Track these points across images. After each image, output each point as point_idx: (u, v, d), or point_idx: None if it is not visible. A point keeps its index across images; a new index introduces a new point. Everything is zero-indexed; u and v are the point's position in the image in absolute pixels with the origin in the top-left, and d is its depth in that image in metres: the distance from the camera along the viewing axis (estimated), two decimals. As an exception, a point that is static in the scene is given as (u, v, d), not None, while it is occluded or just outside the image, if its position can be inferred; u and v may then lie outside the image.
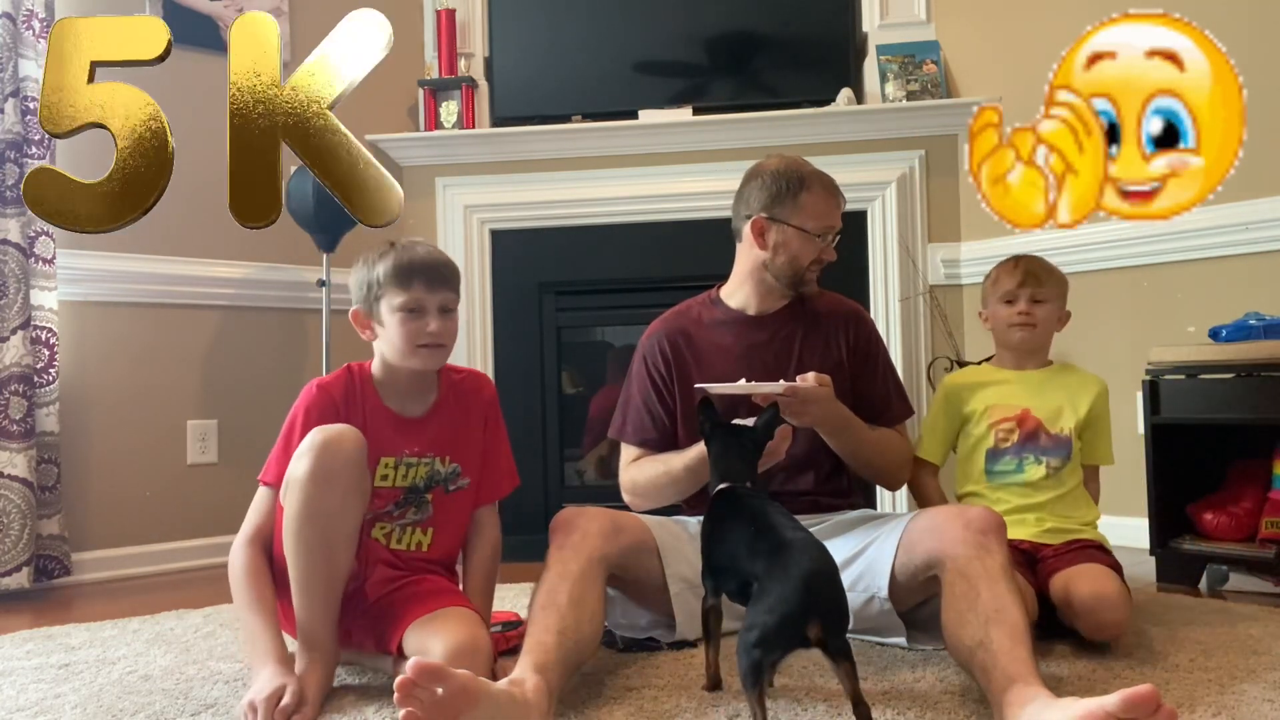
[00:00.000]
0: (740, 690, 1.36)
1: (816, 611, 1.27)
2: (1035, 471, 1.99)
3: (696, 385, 1.86)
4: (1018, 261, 2.07)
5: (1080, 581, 1.76)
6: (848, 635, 1.56)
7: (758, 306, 2.02)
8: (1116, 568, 1.86)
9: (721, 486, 1.58)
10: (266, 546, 1.63)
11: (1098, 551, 1.91)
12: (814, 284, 2.00)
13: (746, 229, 1.98)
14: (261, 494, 1.66)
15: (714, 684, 1.56)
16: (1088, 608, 1.72)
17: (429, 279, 1.65)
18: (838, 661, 1.28)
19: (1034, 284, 2.03)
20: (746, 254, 2.01)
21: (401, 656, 1.54)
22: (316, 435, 1.54)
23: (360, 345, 1.77)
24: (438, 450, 1.72)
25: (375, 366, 1.73)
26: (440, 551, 1.73)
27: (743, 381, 1.79)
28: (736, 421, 1.65)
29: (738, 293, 2.04)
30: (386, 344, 1.68)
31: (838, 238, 1.99)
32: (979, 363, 2.33)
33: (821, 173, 1.99)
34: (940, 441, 2.11)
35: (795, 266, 1.95)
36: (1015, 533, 1.83)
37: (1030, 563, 1.90)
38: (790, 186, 1.94)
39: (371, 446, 1.64)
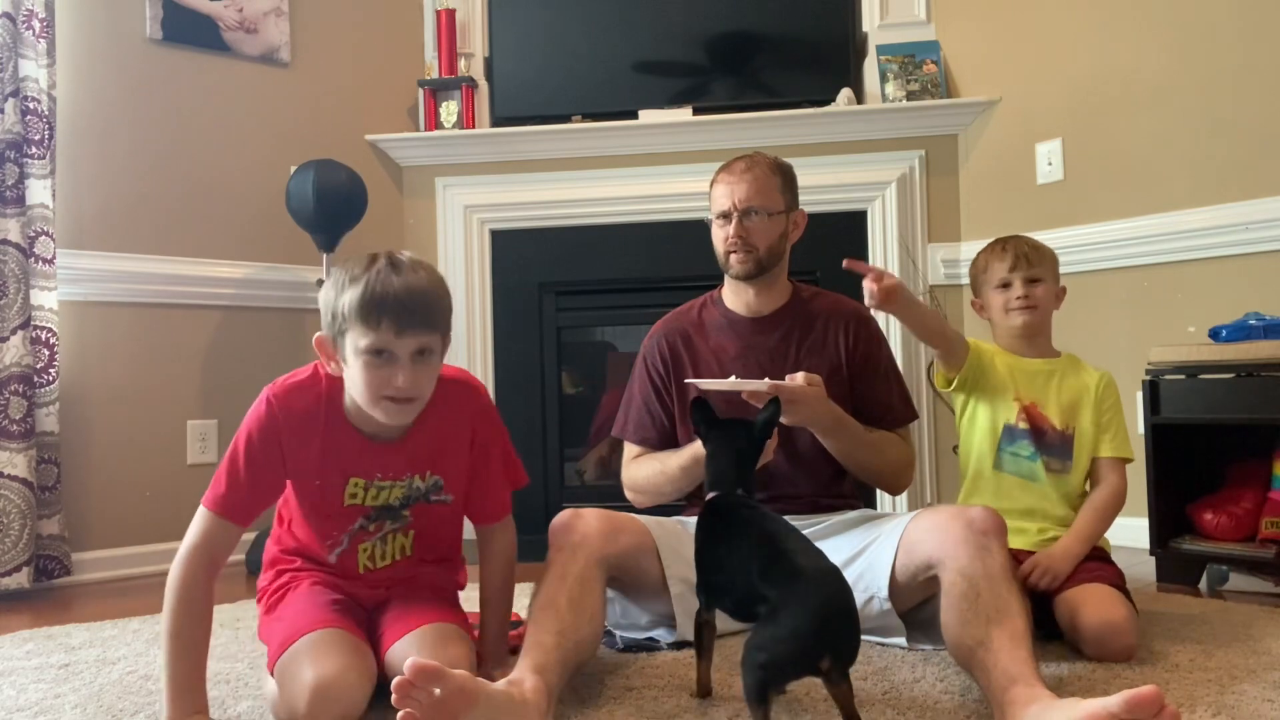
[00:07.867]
0: (739, 691, 1.35)
1: (831, 647, 1.24)
2: (1038, 468, 1.95)
3: (686, 381, 1.92)
4: (1005, 244, 2.02)
5: (1088, 607, 1.71)
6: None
7: (748, 306, 2.04)
8: (1120, 580, 1.83)
9: (710, 496, 1.53)
10: (210, 570, 1.47)
11: (1099, 564, 1.86)
12: (740, 267, 1.97)
13: None
14: (204, 516, 1.45)
15: (704, 693, 1.53)
16: (1097, 637, 1.68)
17: (400, 318, 1.35)
18: (836, 684, 1.26)
19: (1025, 266, 1.98)
20: None
21: (384, 679, 1.46)
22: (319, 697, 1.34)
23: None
24: (415, 469, 1.54)
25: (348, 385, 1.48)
26: (424, 551, 1.63)
27: (732, 378, 1.82)
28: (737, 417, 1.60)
29: (729, 293, 2.08)
30: (350, 385, 1.44)
31: (755, 215, 1.95)
32: None
33: (742, 157, 2.02)
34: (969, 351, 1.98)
35: (718, 254, 2.02)
36: (1015, 542, 1.78)
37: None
38: (711, 185, 2.04)
39: (337, 466, 1.49)
